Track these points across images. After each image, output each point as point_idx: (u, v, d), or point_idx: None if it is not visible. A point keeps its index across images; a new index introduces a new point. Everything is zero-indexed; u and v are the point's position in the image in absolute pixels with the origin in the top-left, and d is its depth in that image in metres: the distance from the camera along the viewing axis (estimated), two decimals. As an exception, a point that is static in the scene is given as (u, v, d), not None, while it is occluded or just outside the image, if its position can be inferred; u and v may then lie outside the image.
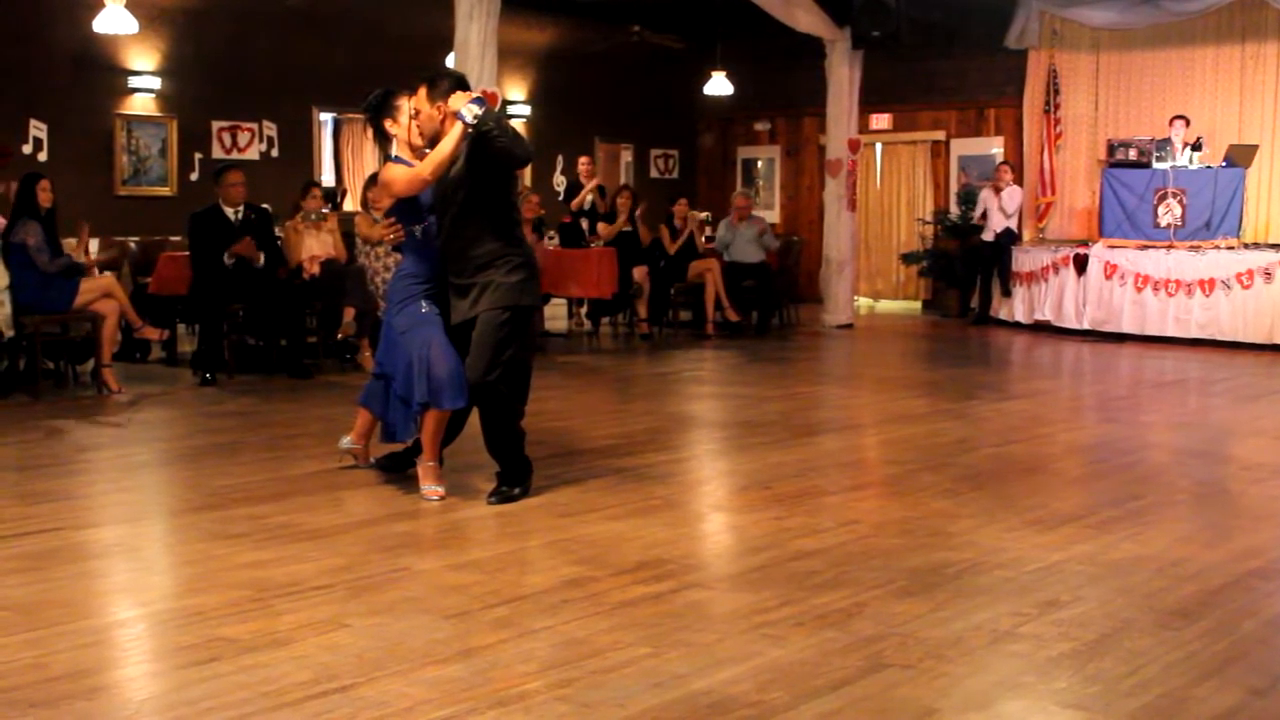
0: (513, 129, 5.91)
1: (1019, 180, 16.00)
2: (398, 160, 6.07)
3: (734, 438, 8.03)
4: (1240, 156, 13.82)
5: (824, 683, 3.64)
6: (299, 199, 10.85)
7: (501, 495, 5.96)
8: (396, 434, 6.19)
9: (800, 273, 16.38)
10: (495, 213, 5.93)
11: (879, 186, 18.26)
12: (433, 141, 5.93)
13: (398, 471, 6.40)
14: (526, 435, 6.14)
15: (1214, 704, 3.51)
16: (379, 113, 6.15)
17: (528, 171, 17.05)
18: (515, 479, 6.05)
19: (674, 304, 14.28)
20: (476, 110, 5.73)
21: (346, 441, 6.65)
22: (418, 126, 5.98)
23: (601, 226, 13.68)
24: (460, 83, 5.98)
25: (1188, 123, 14.33)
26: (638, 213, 13.75)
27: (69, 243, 9.63)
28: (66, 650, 3.90)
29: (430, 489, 6.00)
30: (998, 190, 15.26)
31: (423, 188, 5.94)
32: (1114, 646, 3.97)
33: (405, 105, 6.05)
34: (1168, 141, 14.23)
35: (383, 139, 6.19)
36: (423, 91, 5.91)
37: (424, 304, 6.04)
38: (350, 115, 15.01)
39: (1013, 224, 15.41)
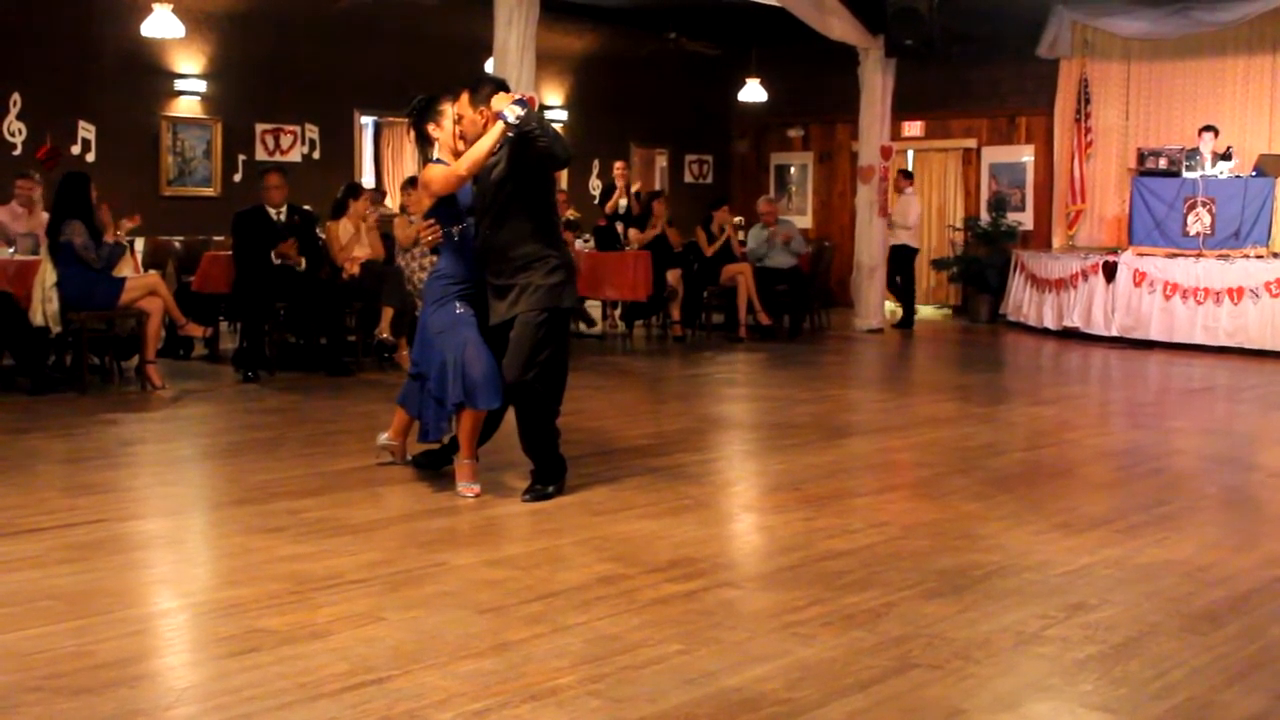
0: (554, 129, 5.98)
1: (1047, 184, 16.01)
2: (438, 163, 6.13)
3: (765, 439, 8.07)
4: (1270, 166, 13.77)
5: (853, 682, 3.68)
6: (345, 199, 10.91)
7: (536, 493, 6.03)
8: (429, 433, 6.26)
9: (832, 278, 16.40)
10: (535, 214, 6.00)
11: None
12: None
13: (434, 469, 6.48)
14: (561, 434, 6.20)
15: (1240, 708, 3.53)
16: (423, 116, 6.21)
17: (563, 174, 17.17)
18: (549, 477, 6.12)
19: (707, 307, 14.33)
20: (519, 111, 5.79)
21: (384, 439, 6.74)
22: (461, 131, 6.04)
23: (634, 233, 13.75)
24: (501, 87, 6.05)
25: (1216, 133, 14.28)
26: (666, 220, 13.83)
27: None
28: (111, 639, 3.97)
29: (466, 486, 6.07)
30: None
31: (459, 185, 6.00)
32: (1141, 650, 3.99)
33: (449, 110, 6.10)
34: (1197, 151, 14.19)
35: (424, 142, 6.25)
36: (465, 97, 5.99)
37: (459, 305, 6.10)
38: (391, 119, 15.13)
39: (911, 239, 15.48)
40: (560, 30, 16.01)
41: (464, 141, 6.04)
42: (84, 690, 3.53)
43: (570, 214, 13.15)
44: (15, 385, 9.30)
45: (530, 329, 5.91)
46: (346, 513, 5.69)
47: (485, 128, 5.92)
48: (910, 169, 16.84)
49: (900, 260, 15.49)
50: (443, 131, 6.15)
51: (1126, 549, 5.22)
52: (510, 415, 6.25)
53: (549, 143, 5.85)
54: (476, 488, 6.08)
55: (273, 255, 10.04)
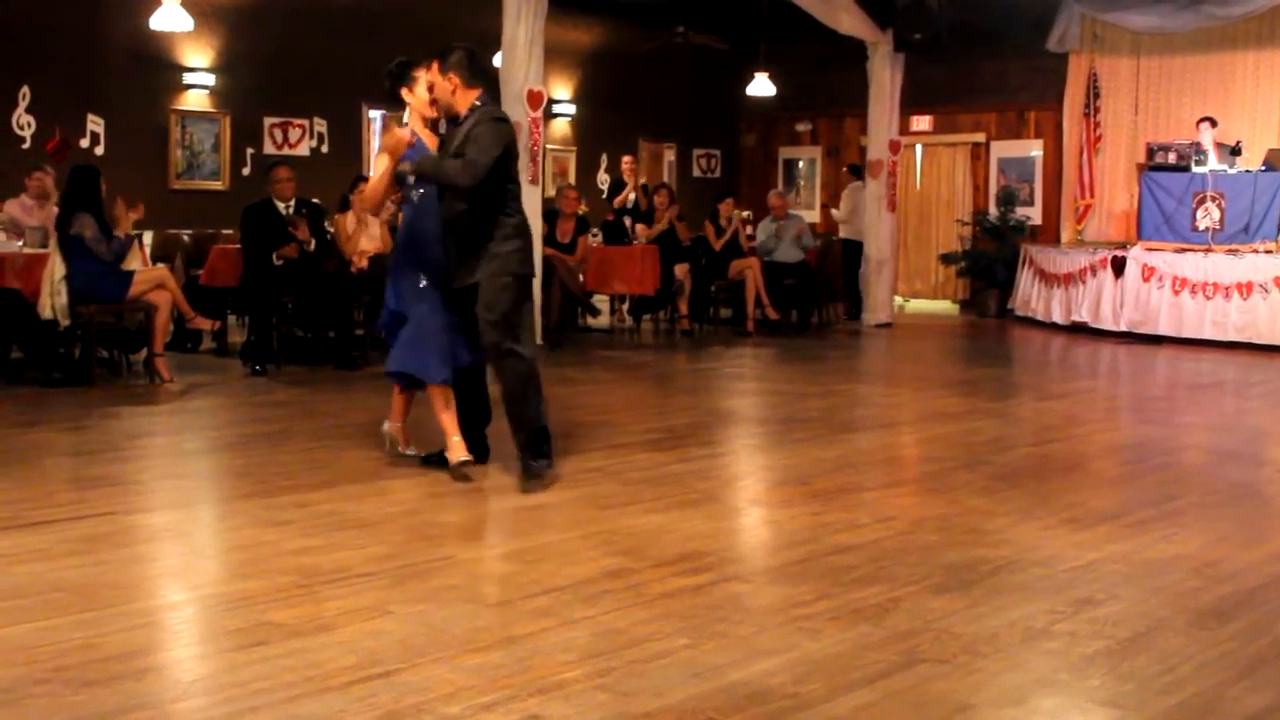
0: (447, 165, 6.01)
1: (1056, 178, 15.97)
2: (404, 126, 6.38)
3: (773, 433, 8.07)
4: (1280, 161, 13.75)
5: (860, 676, 3.68)
6: (353, 191, 10.93)
7: (533, 471, 6.09)
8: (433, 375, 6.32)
9: (840, 272, 16.38)
10: (493, 186, 6.09)
11: (919, 187, 18.23)
12: (448, 112, 6.18)
13: (443, 467, 6.49)
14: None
15: (1248, 704, 3.53)
16: (397, 81, 6.41)
17: (571, 169, 17.18)
18: (540, 446, 6.16)
19: (715, 301, 14.33)
20: (408, 166, 6.08)
21: (387, 425, 6.76)
22: (434, 99, 6.23)
23: (640, 228, 13.75)
24: (470, 56, 6.15)
25: (1214, 124, 14.25)
26: (674, 215, 13.83)
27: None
28: (118, 631, 3.98)
29: (458, 459, 6.19)
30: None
31: (372, 205, 6.65)
32: (1148, 645, 3.98)
33: (422, 76, 6.29)
34: (1197, 143, 14.16)
35: (397, 105, 6.52)
36: (435, 65, 6.15)
37: (423, 278, 6.25)
38: (399, 113, 15.12)
39: (855, 234, 15.48)
40: (568, 24, 16.01)
41: (435, 109, 6.25)
42: (91, 682, 3.54)
43: (581, 209, 13.14)
44: (24, 378, 9.33)
45: (494, 293, 6.04)
46: (354, 506, 5.70)
47: (454, 94, 6.09)
48: (860, 164, 16.58)
49: (850, 255, 15.42)
50: (414, 97, 6.35)
51: (1134, 544, 5.22)
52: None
53: (446, 180, 6.01)
54: (469, 456, 6.22)
55: (274, 257, 10.02)
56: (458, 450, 6.23)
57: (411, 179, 6.15)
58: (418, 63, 6.34)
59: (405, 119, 6.46)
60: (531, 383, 6.15)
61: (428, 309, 6.23)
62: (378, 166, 6.39)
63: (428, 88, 6.23)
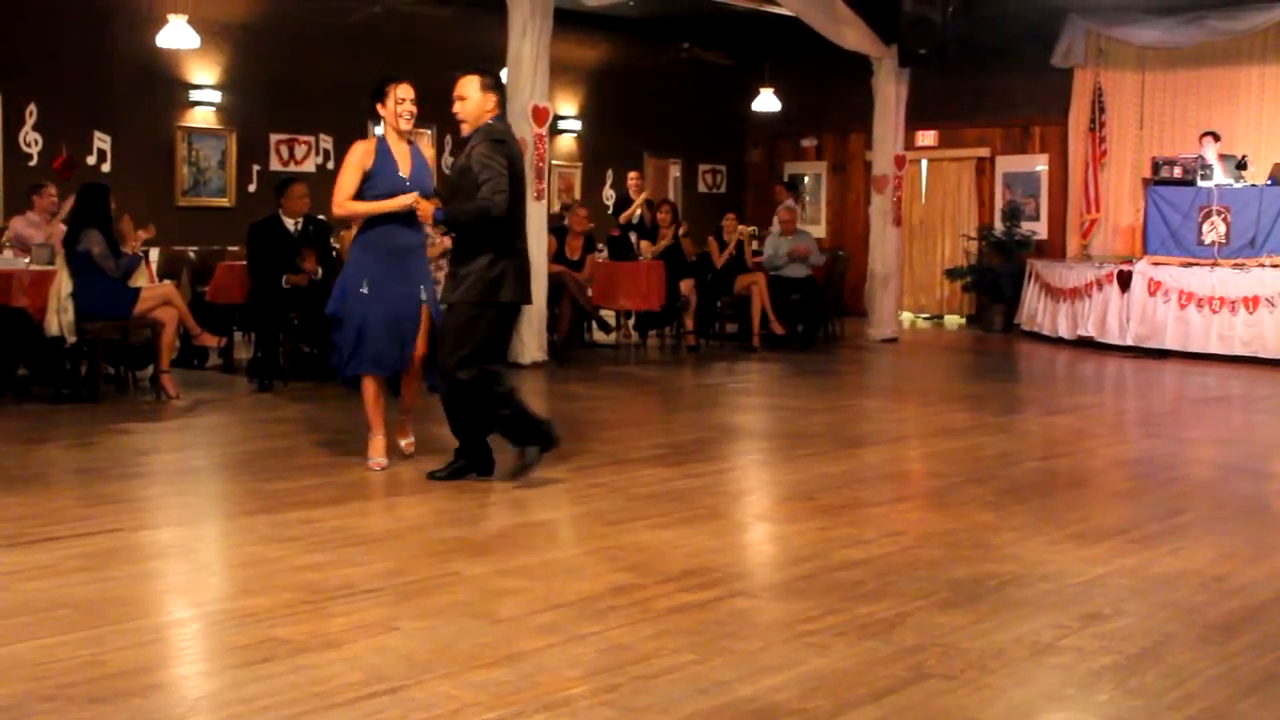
0: (470, 208, 6.20)
1: (1061, 193, 16.00)
2: (381, 140, 6.77)
3: (779, 449, 8.07)
4: (1285, 175, 13.74)
5: (866, 692, 3.67)
6: None
7: (440, 470, 6.42)
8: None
9: (845, 287, 16.40)
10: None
11: (924, 202, 18.25)
12: (470, 125, 6.35)
13: (456, 479, 6.48)
14: (496, 428, 6.45)
15: (1256, 719, 3.52)
16: (375, 96, 6.71)
17: (577, 184, 17.20)
18: (468, 455, 6.41)
19: (721, 316, 14.33)
20: (439, 219, 6.40)
21: (402, 443, 7.10)
22: (462, 110, 6.32)
23: (644, 245, 13.78)
24: (501, 93, 6.46)
25: (1216, 138, 14.26)
26: (680, 231, 13.85)
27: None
28: (124, 648, 3.97)
29: (375, 458, 6.77)
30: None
31: (349, 215, 6.85)
32: (1156, 660, 3.97)
33: (393, 91, 6.61)
34: (1201, 158, 14.16)
35: (375, 119, 6.88)
36: (477, 80, 6.29)
37: (365, 285, 6.64)
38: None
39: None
40: (574, 40, 16.04)
41: (464, 122, 6.35)
42: (97, 699, 3.54)
43: (589, 226, 13.16)
44: (30, 395, 9.34)
45: (459, 318, 6.21)
46: (360, 522, 5.70)
47: (485, 114, 6.28)
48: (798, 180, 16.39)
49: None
50: (385, 110, 6.66)
51: (1142, 559, 5.20)
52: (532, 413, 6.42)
53: (477, 217, 6.17)
54: (383, 461, 6.77)
55: (284, 281, 10.05)
56: (376, 449, 6.80)
57: (438, 226, 6.48)
58: (391, 79, 6.69)
59: (379, 130, 6.84)
60: (476, 406, 6.29)
61: (369, 312, 6.62)
62: (347, 180, 6.65)
63: (458, 97, 6.33)
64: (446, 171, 6.74)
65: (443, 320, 6.41)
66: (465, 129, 6.36)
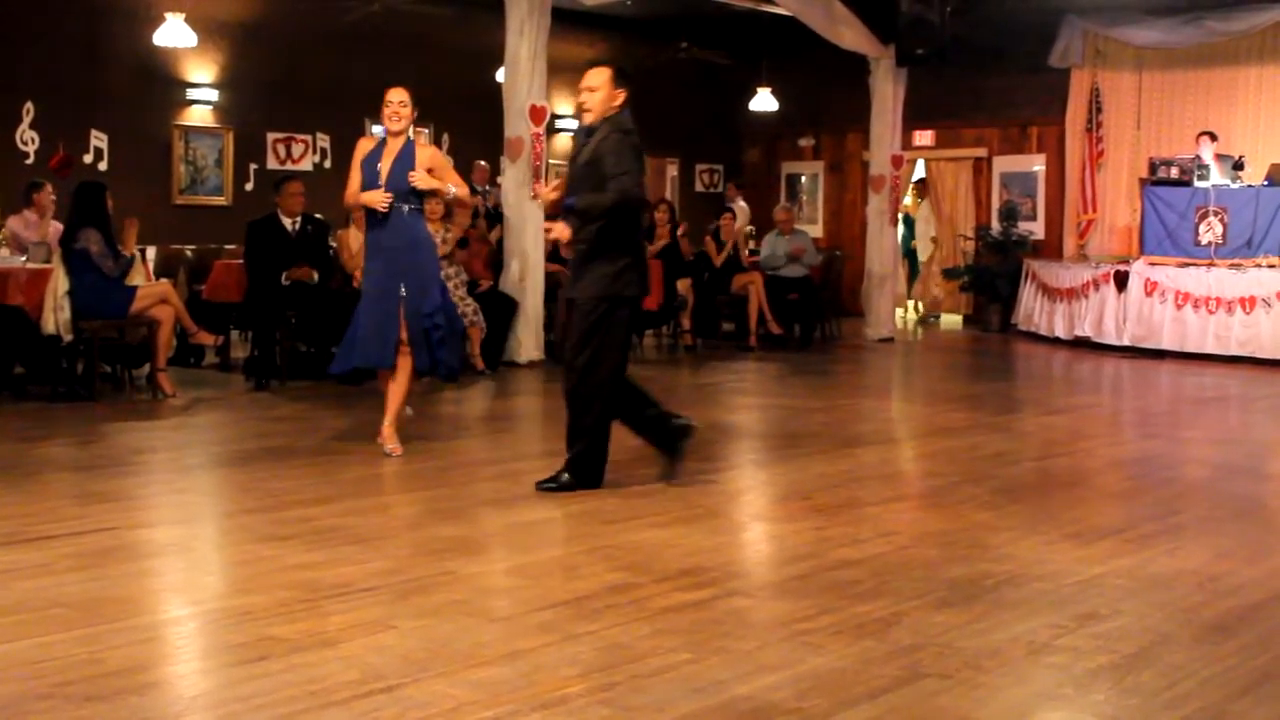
0: (609, 199, 6.16)
1: (1058, 193, 16.02)
2: (380, 137, 7.29)
3: (776, 448, 8.07)
4: (1282, 175, 13.75)
5: (862, 691, 3.67)
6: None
7: (547, 482, 6.26)
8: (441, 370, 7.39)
9: (843, 287, 16.41)
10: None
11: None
12: (591, 118, 6.38)
13: (568, 490, 6.34)
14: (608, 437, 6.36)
15: (1252, 719, 3.52)
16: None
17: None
18: (576, 469, 6.27)
19: (718, 316, 14.33)
20: (569, 208, 6.30)
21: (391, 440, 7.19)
22: (589, 100, 6.37)
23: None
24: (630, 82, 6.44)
25: (1213, 138, 14.27)
26: (679, 231, 13.85)
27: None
28: (121, 646, 3.97)
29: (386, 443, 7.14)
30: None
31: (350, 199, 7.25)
32: (1152, 660, 3.97)
33: (385, 96, 7.09)
34: (1198, 158, 14.17)
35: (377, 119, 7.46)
36: (610, 73, 6.31)
37: (365, 283, 7.20)
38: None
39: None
40: (572, 39, 16.02)
41: (588, 111, 6.40)
42: (94, 698, 3.53)
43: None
44: (27, 394, 9.33)
45: (582, 315, 6.19)
46: (357, 521, 5.70)
47: (611, 107, 6.30)
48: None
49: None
50: (382, 113, 7.13)
51: (1138, 559, 5.21)
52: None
53: (614, 208, 6.16)
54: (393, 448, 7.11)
55: (283, 277, 10.06)
56: (388, 436, 7.14)
57: (569, 216, 6.33)
58: (389, 85, 7.15)
59: (379, 130, 7.25)
60: (581, 401, 6.22)
61: (360, 309, 7.16)
62: (351, 176, 7.20)
63: (586, 88, 6.36)
64: (440, 165, 6.88)
65: (567, 318, 6.47)
66: (587, 119, 6.37)
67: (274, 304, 10.08)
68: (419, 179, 6.97)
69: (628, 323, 6.31)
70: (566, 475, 6.26)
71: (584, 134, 6.42)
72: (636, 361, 12.77)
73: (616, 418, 6.34)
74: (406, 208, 7.08)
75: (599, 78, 6.31)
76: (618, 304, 6.20)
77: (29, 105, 12.27)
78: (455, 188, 7.28)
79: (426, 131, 14.84)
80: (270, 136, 14.16)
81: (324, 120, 14.44)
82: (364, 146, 7.24)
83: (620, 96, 6.30)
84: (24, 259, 9.77)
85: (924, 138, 17.78)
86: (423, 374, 7.36)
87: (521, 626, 4.22)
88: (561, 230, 6.29)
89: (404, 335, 7.03)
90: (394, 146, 7.09)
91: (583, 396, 6.21)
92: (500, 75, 12.08)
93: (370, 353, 7.12)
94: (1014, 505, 6.21)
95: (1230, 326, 12.83)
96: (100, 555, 5.06)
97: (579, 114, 6.49)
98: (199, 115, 13.67)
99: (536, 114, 11.70)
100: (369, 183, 7.06)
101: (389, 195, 6.90)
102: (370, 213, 7.08)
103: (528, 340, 11.63)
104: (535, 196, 6.45)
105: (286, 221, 10.19)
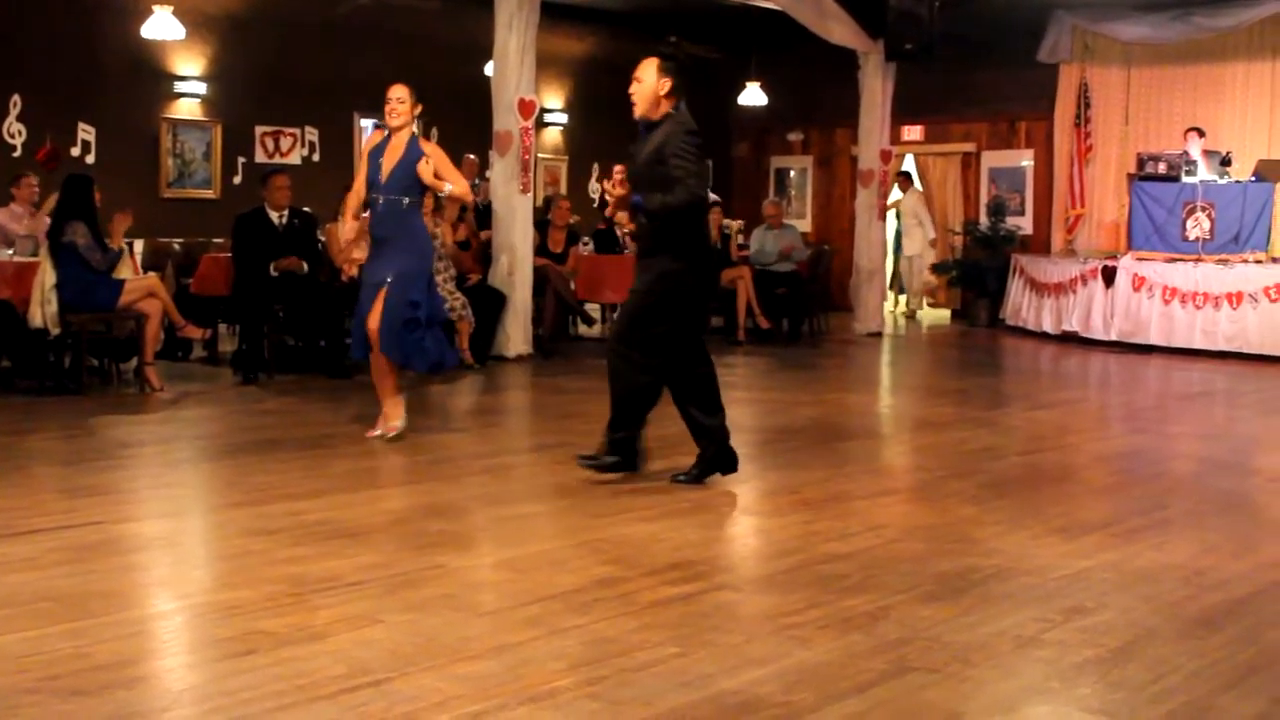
0: (677, 199, 6.13)
1: (1046, 188, 16.07)
2: (387, 132, 7.40)
3: (764, 443, 8.07)
4: (1270, 171, 13.78)
5: (850, 685, 3.67)
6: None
7: (587, 458, 6.36)
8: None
9: (831, 281, 16.43)
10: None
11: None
12: (643, 112, 6.36)
13: (618, 470, 6.44)
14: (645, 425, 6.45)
15: (1237, 712, 3.53)
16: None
17: (563, 178, 17.19)
18: (617, 449, 6.32)
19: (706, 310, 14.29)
20: (638, 207, 6.28)
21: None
22: (637, 92, 6.36)
23: (630, 239, 13.75)
24: (682, 70, 6.44)
25: (1201, 134, 14.31)
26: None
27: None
28: (108, 640, 3.96)
29: (390, 426, 7.36)
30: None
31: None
32: (1138, 654, 3.98)
33: (386, 93, 7.28)
34: (1186, 153, 14.21)
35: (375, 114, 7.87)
36: (655, 64, 6.31)
37: (364, 272, 7.48)
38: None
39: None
40: (560, 33, 16.03)
41: (636, 102, 6.35)
42: (81, 692, 3.53)
43: (573, 220, 13.15)
44: (14, 387, 9.31)
45: (635, 303, 6.30)
46: (345, 515, 5.69)
47: (658, 97, 6.30)
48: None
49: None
50: (386, 111, 7.32)
51: (1124, 553, 5.22)
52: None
53: (682, 207, 6.11)
54: (385, 429, 7.34)
55: (272, 268, 10.05)
56: (392, 418, 7.37)
57: (641, 212, 6.30)
58: (392, 84, 7.36)
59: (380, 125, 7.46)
60: (638, 390, 6.28)
61: (359, 296, 7.43)
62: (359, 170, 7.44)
63: (635, 79, 6.36)
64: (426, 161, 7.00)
65: (622, 310, 6.57)
66: (637, 111, 6.36)
67: (262, 298, 10.07)
68: (426, 172, 7.19)
69: (685, 316, 6.31)
70: (696, 470, 6.45)
71: (644, 128, 6.38)
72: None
73: (675, 401, 6.40)
74: (406, 200, 7.22)
75: (646, 70, 6.33)
76: (676, 292, 6.23)
77: (15, 98, 12.22)
78: (452, 185, 7.34)
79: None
80: (259, 130, 14.12)
81: (312, 114, 14.41)
82: (372, 139, 7.51)
83: (666, 86, 6.29)
84: (11, 252, 9.74)
85: (913, 132, 17.81)
86: (403, 367, 7.49)
87: (509, 620, 4.22)
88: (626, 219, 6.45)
89: (373, 324, 7.18)
90: (397, 142, 7.28)
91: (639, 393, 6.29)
92: (489, 69, 12.06)
93: (359, 342, 7.46)
94: (1001, 500, 6.23)
95: (1217, 322, 12.88)
96: (87, 549, 5.05)
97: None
98: (187, 108, 13.63)
99: (525, 108, 11.70)
100: (372, 176, 7.29)
101: (352, 267, 7.87)
102: (371, 206, 7.30)
103: (516, 334, 11.63)
104: (604, 193, 6.54)
105: (274, 215, 10.17)
